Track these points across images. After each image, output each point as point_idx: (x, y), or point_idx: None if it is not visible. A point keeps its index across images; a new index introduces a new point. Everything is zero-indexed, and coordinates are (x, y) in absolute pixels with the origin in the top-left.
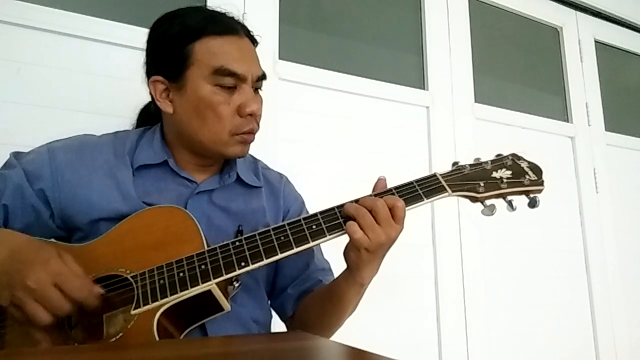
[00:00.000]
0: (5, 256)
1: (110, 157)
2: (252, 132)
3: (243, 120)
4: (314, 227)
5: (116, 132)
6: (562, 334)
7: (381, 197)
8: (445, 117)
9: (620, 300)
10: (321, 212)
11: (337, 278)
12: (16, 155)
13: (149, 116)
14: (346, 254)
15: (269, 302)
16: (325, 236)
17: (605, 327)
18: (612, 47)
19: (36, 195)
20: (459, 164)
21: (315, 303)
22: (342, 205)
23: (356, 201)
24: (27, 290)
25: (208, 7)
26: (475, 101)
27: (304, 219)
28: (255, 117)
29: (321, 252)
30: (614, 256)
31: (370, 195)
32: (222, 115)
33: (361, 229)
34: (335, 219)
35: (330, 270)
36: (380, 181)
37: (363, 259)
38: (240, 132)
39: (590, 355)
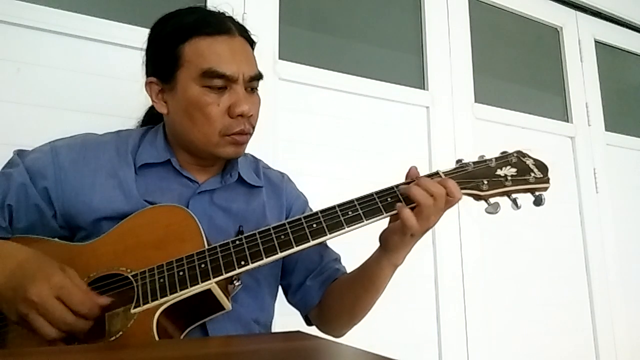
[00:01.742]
0: (10, 271)
1: (113, 155)
2: (243, 133)
3: (233, 121)
4: (314, 225)
5: (118, 131)
6: (562, 334)
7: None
8: (445, 117)
9: (620, 300)
10: (322, 211)
11: (367, 262)
12: (19, 153)
13: (154, 115)
14: (387, 236)
15: (287, 300)
16: (326, 234)
17: (605, 327)
18: (612, 47)
19: (39, 194)
20: (463, 161)
21: (346, 290)
22: (342, 204)
23: (401, 185)
24: (30, 304)
25: (206, 8)
26: (475, 101)
27: (305, 217)
28: (246, 117)
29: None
30: (614, 256)
31: (371, 194)
32: (210, 116)
33: (416, 215)
34: (336, 218)
35: (340, 260)
36: (412, 170)
37: (405, 242)
38: (230, 133)
39: (590, 355)
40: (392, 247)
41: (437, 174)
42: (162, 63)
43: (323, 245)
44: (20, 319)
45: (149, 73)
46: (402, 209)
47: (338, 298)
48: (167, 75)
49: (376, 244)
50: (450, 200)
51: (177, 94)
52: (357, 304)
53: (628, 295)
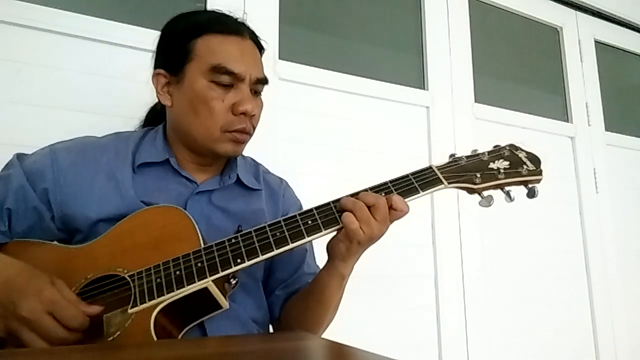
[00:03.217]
0: None
1: (112, 157)
2: (244, 132)
3: (236, 118)
4: (309, 222)
5: (118, 133)
6: (562, 334)
7: (385, 195)
8: (445, 117)
9: (620, 300)
10: (317, 207)
11: (319, 273)
12: (19, 156)
13: (156, 115)
14: (334, 245)
15: None
16: (321, 231)
17: (605, 327)
18: (612, 47)
19: (38, 196)
20: (456, 155)
21: (299, 301)
22: (337, 200)
23: (353, 195)
24: (21, 320)
25: (206, 8)
26: (475, 101)
27: (300, 214)
28: (248, 116)
29: (313, 257)
30: (614, 256)
31: (366, 190)
32: (214, 111)
33: (357, 221)
34: (331, 214)
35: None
36: None
37: (352, 251)
38: (231, 130)
39: (590, 355)
40: (339, 255)
41: (429, 168)
42: (172, 56)
43: (304, 257)
44: (9, 335)
45: (157, 65)
46: (346, 214)
47: (292, 310)
48: (176, 68)
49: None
50: (395, 214)
51: (184, 87)
52: (307, 316)
53: (628, 295)
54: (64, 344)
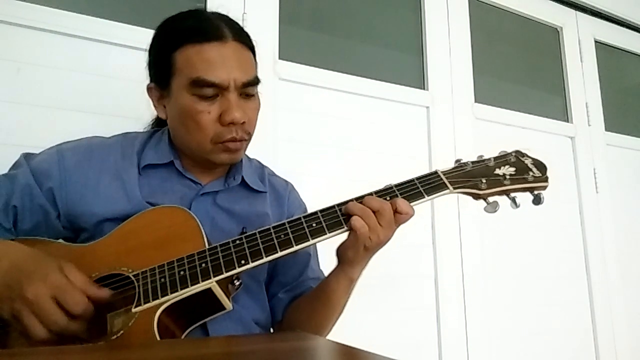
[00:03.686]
0: (6, 268)
1: (118, 157)
2: (235, 140)
3: (225, 128)
4: (314, 225)
5: (125, 133)
6: (562, 334)
7: (388, 199)
8: (445, 117)
9: (620, 300)
10: (321, 210)
11: (327, 277)
12: (26, 156)
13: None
14: (342, 250)
15: None
16: (326, 234)
17: (605, 327)
18: (612, 47)
19: (44, 195)
20: (461, 161)
21: (304, 304)
22: (343, 204)
23: (359, 200)
24: (25, 303)
25: (206, 9)
26: (475, 101)
27: (304, 217)
28: (238, 125)
29: (317, 262)
30: (614, 256)
31: (371, 194)
32: (202, 124)
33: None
34: (335, 217)
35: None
36: None
37: (359, 256)
38: (222, 141)
39: (590, 356)
40: (348, 260)
41: (435, 173)
42: (158, 70)
43: (308, 262)
44: (12, 317)
45: (150, 78)
46: (356, 218)
47: (297, 312)
48: (164, 82)
49: None
50: (401, 217)
51: (172, 101)
52: (313, 319)
53: (628, 295)
54: (63, 334)
